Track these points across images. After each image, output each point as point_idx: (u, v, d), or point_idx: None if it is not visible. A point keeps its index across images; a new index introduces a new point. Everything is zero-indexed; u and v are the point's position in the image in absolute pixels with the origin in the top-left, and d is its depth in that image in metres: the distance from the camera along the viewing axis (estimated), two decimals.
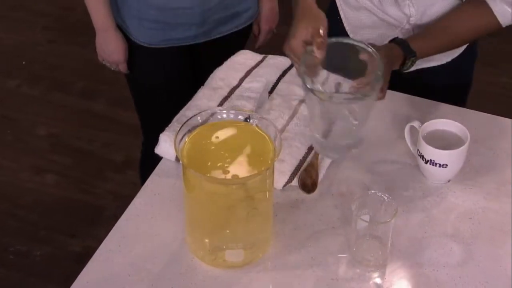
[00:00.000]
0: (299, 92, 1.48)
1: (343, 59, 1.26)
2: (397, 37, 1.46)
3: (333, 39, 1.25)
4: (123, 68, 1.72)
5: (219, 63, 1.56)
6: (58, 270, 2.09)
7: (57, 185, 2.38)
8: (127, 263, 1.20)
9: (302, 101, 1.46)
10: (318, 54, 1.23)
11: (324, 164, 1.35)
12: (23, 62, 2.92)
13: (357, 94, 1.19)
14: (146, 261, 1.20)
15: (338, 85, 1.28)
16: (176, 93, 1.69)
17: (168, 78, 1.72)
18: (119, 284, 1.16)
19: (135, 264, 1.19)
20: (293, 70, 1.53)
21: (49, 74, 2.85)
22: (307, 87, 1.20)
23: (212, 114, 1.18)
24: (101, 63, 1.76)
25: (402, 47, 1.37)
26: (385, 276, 1.18)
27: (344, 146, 1.28)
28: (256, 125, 1.17)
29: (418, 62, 1.38)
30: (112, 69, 1.75)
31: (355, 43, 1.25)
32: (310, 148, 1.38)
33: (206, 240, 1.18)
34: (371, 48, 1.23)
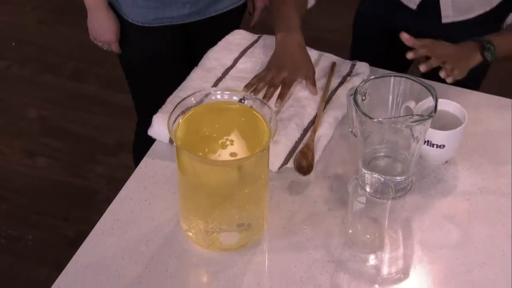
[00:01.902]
0: None
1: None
2: None
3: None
4: (115, 47, 1.72)
5: (214, 42, 1.56)
6: (51, 254, 2.09)
7: (49, 169, 2.38)
8: (120, 246, 1.20)
9: (298, 82, 1.46)
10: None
11: (320, 146, 1.36)
12: (13, 43, 2.91)
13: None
14: (140, 244, 1.20)
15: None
16: (169, 73, 1.69)
17: (161, 57, 1.72)
18: (113, 267, 1.17)
19: (128, 247, 1.20)
20: None
21: (39, 56, 2.84)
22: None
23: (206, 95, 1.18)
24: (93, 44, 1.75)
25: (475, 40, 1.42)
26: (381, 258, 1.19)
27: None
28: (251, 106, 1.17)
29: None
30: (104, 49, 1.74)
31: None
32: (306, 130, 1.38)
33: (201, 223, 1.18)
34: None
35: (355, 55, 1.76)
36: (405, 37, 1.38)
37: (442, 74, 1.39)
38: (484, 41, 1.44)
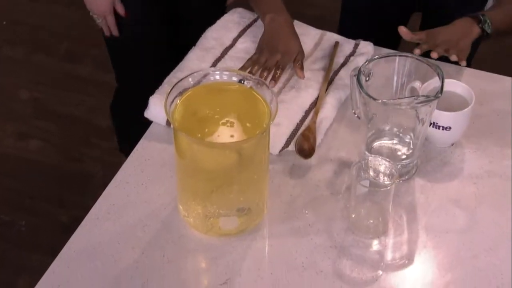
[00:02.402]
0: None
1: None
2: None
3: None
4: (110, 21, 1.71)
5: (201, 14, 1.56)
6: (44, 240, 2.10)
7: (42, 152, 2.38)
8: (116, 231, 1.20)
9: (294, 61, 1.46)
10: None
11: (322, 128, 1.36)
12: (4, 23, 2.90)
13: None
14: (137, 229, 1.21)
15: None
16: (154, 43, 1.71)
17: (145, 26, 1.73)
18: (108, 253, 1.17)
19: (125, 232, 1.20)
20: None
21: (32, 35, 2.83)
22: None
23: (205, 76, 1.18)
24: (88, 23, 1.75)
25: (469, 16, 1.44)
26: (385, 243, 1.19)
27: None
28: (251, 87, 1.17)
29: None
30: (100, 26, 1.74)
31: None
32: (308, 111, 1.38)
33: (199, 207, 1.18)
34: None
35: (343, 27, 1.76)
36: (403, 30, 1.41)
37: (453, 58, 1.40)
38: (479, 14, 1.45)
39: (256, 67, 1.43)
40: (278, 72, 1.43)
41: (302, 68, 1.44)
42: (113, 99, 2.00)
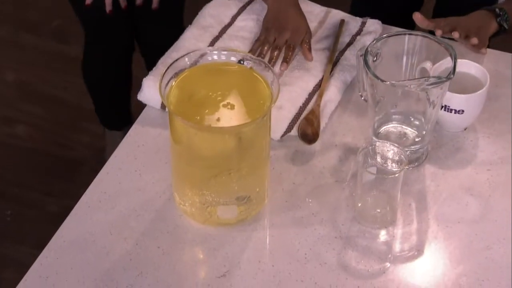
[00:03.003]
0: None
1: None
2: None
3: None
4: None
5: None
6: (32, 231, 2.10)
7: (29, 138, 2.38)
8: (108, 221, 1.21)
9: (302, 42, 1.46)
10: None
11: (327, 112, 1.36)
12: None
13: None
14: (130, 219, 1.21)
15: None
16: None
17: None
18: (100, 243, 1.18)
19: (117, 222, 1.21)
20: None
21: (18, 13, 2.82)
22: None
23: (202, 56, 1.18)
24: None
25: (485, 9, 1.45)
26: (393, 234, 1.20)
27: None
28: (251, 68, 1.17)
29: None
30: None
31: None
32: (311, 94, 1.38)
33: (196, 195, 1.18)
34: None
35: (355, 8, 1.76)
36: (418, 17, 1.41)
37: (473, 42, 1.41)
38: (496, 8, 1.45)
39: (266, 47, 1.42)
40: (289, 53, 1.41)
41: (310, 49, 1.43)
42: (83, 58, 2.04)
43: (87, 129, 2.40)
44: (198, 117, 1.11)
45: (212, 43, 1.46)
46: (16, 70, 2.60)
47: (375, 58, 1.24)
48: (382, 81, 1.18)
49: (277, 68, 1.41)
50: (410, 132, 1.29)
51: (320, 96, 1.37)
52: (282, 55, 1.42)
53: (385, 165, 1.19)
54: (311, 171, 1.28)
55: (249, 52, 1.42)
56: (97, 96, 2.10)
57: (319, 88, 1.39)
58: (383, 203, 1.21)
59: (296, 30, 1.43)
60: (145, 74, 1.40)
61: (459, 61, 1.24)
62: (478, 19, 1.45)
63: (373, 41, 1.25)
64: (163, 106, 1.37)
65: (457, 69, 1.21)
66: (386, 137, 1.28)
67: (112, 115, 2.16)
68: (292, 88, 1.38)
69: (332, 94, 1.38)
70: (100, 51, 1.97)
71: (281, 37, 1.43)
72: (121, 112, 2.14)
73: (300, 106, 1.36)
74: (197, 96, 1.15)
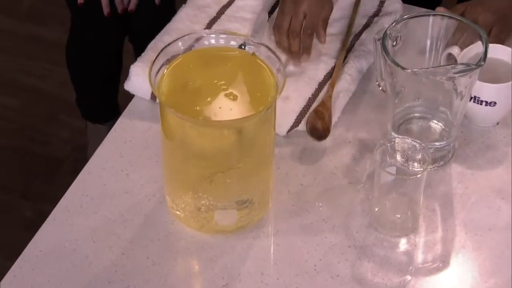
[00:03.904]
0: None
1: None
2: None
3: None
4: None
5: None
6: (3, 239, 2.11)
7: (1, 133, 2.38)
8: (91, 227, 1.21)
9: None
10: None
11: (340, 104, 1.36)
12: None
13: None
14: (115, 225, 1.21)
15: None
16: None
17: None
18: (81, 253, 1.18)
19: (101, 228, 1.21)
20: None
21: None
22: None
23: (197, 40, 1.18)
24: None
25: None
26: (415, 243, 1.20)
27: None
28: (253, 54, 1.17)
29: None
30: None
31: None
32: (322, 84, 1.38)
33: (191, 199, 1.19)
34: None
35: None
36: (441, 10, 1.39)
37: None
38: None
39: (284, 37, 1.39)
40: (307, 40, 1.39)
41: (325, 28, 1.41)
42: (68, 43, 2.05)
43: (66, 123, 2.40)
44: (193, 110, 1.11)
45: (209, 25, 1.46)
46: None
47: (394, 43, 1.24)
48: (403, 68, 1.18)
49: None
50: (435, 127, 1.29)
51: (332, 86, 1.37)
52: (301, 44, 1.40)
53: (405, 164, 1.19)
54: (321, 171, 1.28)
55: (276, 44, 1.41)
56: (82, 86, 2.10)
57: (330, 77, 1.39)
58: (403, 207, 1.21)
59: (316, 6, 1.39)
60: (133, 61, 1.40)
61: (491, 45, 1.24)
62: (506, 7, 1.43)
63: (393, 23, 1.25)
64: (153, 97, 1.37)
65: (489, 55, 1.20)
66: (407, 132, 1.28)
67: (96, 106, 2.16)
68: (300, 77, 1.38)
69: (346, 83, 1.38)
70: (88, 36, 1.98)
71: (297, 19, 1.39)
72: (106, 104, 2.14)
73: (309, 98, 1.36)
74: (192, 85, 1.15)
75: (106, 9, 1.81)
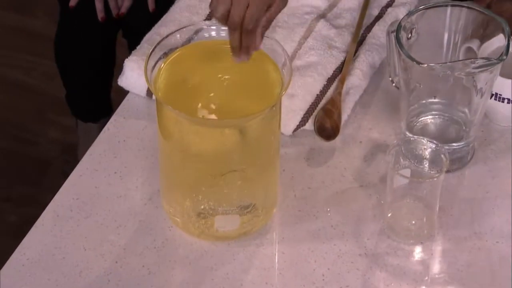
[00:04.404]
0: (316, 2, 1.48)
1: None
2: None
3: None
4: None
5: None
6: None
7: None
8: (81, 233, 1.21)
9: (320, 16, 1.46)
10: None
11: (350, 101, 1.36)
12: None
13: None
14: (108, 231, 1.21)
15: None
16: None
17: None
18: (71, 261, 1.18)
19: (92, 234, 1.21)
20: None
21: None
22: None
23: (197, 32, 1.18)
24: None
25: None
26: (431, 251, 1.20)
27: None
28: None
29: None
30: None
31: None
32: (331, 80, 1.38)
33: (190, 203, 1.19)
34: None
35: None
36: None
37: None
38: None
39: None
40: (247, 38, 1.13)
41: (267, 28, 1.15)
42: (56, 34, 2.05)
43: (55, 121, 2.40)
44: (192, 107, 1.11)
45: (209, 17, 1.46)
46: None
47: (409, 35, 1.24)
48: (418, 63, 1.18)
49: (292, 43, 1.40)
50: (452, 126, 1.29)
51: (342, 82, 1.37)
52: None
53: (421, 166, 1.19)
54: (330, 173, 1.28)
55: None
56: (71, 80, 2.10)
57: (340, 72, 1.39)
58: (418, 213, 1.21)
59: None
60: (128, 55, 1.40)
61: None
62: None
63: (408, 14, 1.25)
64: (149, 93, 1.37)
65: (511, 49, 1.20)
66: (423, 132, 1.28)
67: (87, 103, 2.16)
68: (308, 72, 1.38)
69: (357, 79, 1.38)
70: (78, 27, 1.98)
71: (236, 8, 1.11)
72: (98, 100, 2.14)
73: (317, 94, 1.36)
74: (191, 81, 1.15)
75: (100, 14, 1.83)
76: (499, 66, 1.20)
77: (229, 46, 1.14)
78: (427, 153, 1.19)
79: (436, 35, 1.28)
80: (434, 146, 1.18)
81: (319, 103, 1.35)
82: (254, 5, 1.11)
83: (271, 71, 1.15)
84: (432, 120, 1.30)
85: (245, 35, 1.12)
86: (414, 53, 1.20)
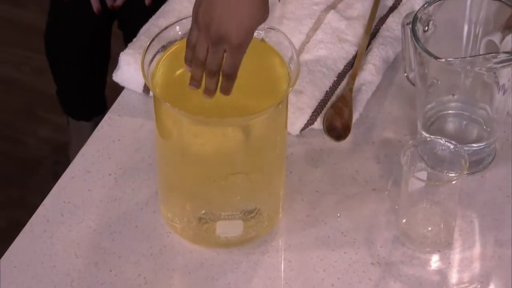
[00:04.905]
0: None
1: None
2: None
3: None
4: None
5: None
6: None
7: None
8: (73, 239, 1.21)
9: (330, 7, 1.46)
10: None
11: (362, 98, 1.36)
12: None
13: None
14: (102, 237, 1.21)
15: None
16: None
17: None
18: (62, 269, 1.18)
19: (85, 241, 1.21)
20: None
21: None
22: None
23: None
24: None
25: None
26: (449, 260, 1.20)
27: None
28: (262, 40, 1.17)
29: None
30: None
31: None
32: (341, 75, 1.38)
33: (189, 207, 1.19)
34: None
35: None
36: None
37: None
38: None
39: (198, 69, 1.11)
40: (229, 80, 1.10)
41: (230, 79, 1.10)
42: (47, 26, 2.06)
43: (45, 119, 2.40)
44: (192, 105, 1.11)
45: None
46: None
47: (426, 28, 1.23)
48: (436, 57, 1.18)
49: (300, 36, 1.40)
50: (472, 125, 1.28)
51: (353, 77, 1.37)
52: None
53: (438, 168, 1.19)
54: (340, 176, 1.28)
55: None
56: (63, 76, 2.11)
57: (351, 67, 1.39)
58: (435, 218, 1.21)
59: (238, 35, 1.07)
60: (123, 48, 1.40)
61: None
62: None
63: (424, 4, 1.25)
64: (146, 90, 1.37)
65: None
66: (440, 132, 1.28)
67: (80, 100, 2.16)
68: (316, 67, 1.38)
69: (369, 75, 1.38)
70: (70, 18, 1.98)
71: (214, 54, 1.09)
72: (91, 97, 2.14)
73: (327, 91, 1.36)
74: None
75: (95, 4, 1.83)
76: None
77: None
78: (445, 154, 1.18)
79: (455, 27, 1.28)
80: (452, 147, 1.18)
81: (328, 101, 1.35)
82: (233, 58, 1.09)
83: (277, 66, 1.15)
84: (451, 119, 1.29)
85: (226, 79, 1.11)
86: (431, 47, 1.20)
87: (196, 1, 1.10)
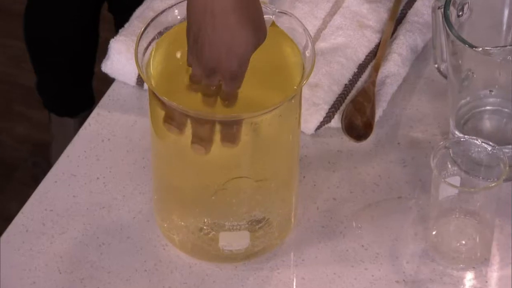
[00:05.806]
0: None
1: None
2: None
3: None
4: None
5: None
6: None
7: None
8: (56, 252, 1.21)
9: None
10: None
11: (386, 93, 1.36)
12: None
13: None
14: (89, 250, 1.22)
15: None
16: None
17: None
18: (43, 286, 1.18)
19: (69, 254, 1.21)
20: None
21: None
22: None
23: None
24: None
25: None
26: (486, 277, 1.20)
27: None
28: (273, 24, 1.16)
29: None
30: None
31: None
32: (362, 67, 1.39)
33: (189, 216, 1.19)
34: None
35: None
36: None
37: None
38: None
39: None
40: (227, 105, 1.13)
41: (233, 94, 1.13)
42: (27, 6, 2.07)
43: (23, 115, 2.41)
44: (192, 99, 1.12)
45: None
46: None
47: (460, 13, 1.24)
48: (471, 46, 1.18)
49: (316, 21, 1.41)
50: None
51: (376, 69, 1.38)
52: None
53: (473, 173, 1.19)
54: (360, 181, 1.29)
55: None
56: (44, 66, 2.11)
57: (374, 57, 1.40)
58: (470, 231, 1.21)
59: (229, 66, 1.08)
60: (114, 35, 1.40)
61: None
62: None
63: None
64: (139, 82, 1.37)
65: None
66: (476, 131, 1.28)
67: (64, 94, 2.17)
68: (334, 58, 1.38)
69: (394, 66, 1.39)
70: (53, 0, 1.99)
71: (211, 80, 1.11)
72: (77, 90, 2.15)
73: (346, 84, 1.36)
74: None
75: None
76: None
77: None
78: (481, 157, 1.18)
79: (493, 12, 1.29)
80: (490, 148, 1.18)
81: (348, 95, 1.35)
82: (229, 86, 1.11)
83: (290, 55, 1.15)
84: (488, 117, 1.30)
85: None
86: (466, 34, 1.20)
87: (187, 22, 1.10)
